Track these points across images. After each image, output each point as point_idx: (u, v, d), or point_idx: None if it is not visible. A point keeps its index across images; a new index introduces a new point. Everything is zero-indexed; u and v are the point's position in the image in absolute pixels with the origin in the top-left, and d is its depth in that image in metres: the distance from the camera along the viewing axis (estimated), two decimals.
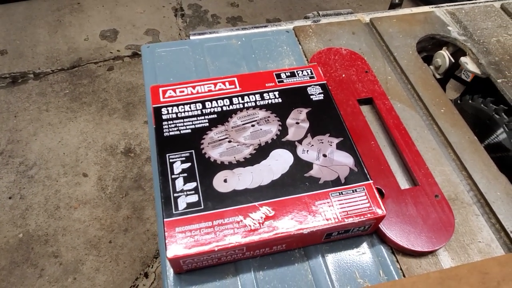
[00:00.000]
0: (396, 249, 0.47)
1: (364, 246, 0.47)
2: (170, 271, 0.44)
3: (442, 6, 0.79)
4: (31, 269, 1.30)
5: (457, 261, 0.46)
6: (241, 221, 0.42)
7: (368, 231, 0.47)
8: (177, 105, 0.51)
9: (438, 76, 0.75)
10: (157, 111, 0.51)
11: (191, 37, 0.69)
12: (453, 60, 0.72)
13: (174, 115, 0.50)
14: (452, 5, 0.79)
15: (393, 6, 1.23)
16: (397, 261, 0.46)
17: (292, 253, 0.46)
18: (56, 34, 1.91)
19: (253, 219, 0.42)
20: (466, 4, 0.79)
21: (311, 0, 2.30)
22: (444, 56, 0.73)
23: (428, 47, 0.77)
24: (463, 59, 0.70)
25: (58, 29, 1.93)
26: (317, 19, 0.75)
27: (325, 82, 0.56)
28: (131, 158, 1.56)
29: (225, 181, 0.45)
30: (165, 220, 0.42)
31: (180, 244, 0.40)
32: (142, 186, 1.48)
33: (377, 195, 0.45)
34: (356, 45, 0.69)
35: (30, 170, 1.49)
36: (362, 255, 0.46)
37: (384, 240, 0.47)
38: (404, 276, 0.45)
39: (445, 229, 0.47)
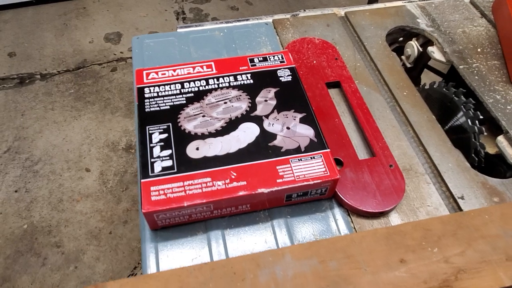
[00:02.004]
0: (351, 211, 0.52)
1: (323, 208, 0.52)
2: (147, 228, 0.49)
3: (414, 1, 0.84)
4: (34, 258, 1.36)
5: (405, 222, 0.51)
6: (209, 182, 0.48)
7: (326, 195, 0.52)
8: (159, 85, 0.58)
9: (408, 65, 0.80)
10: (140, 91, 0.57)
11: (178, 30, 0.76)
12: (421, 50, 0.78)
13: (155, 94, 0.57)
14: (423, 0, 0.84)
15: (371, 2, 1.28)
16: (352, 222, 0.51)
17: (258, 214, 0.52)
18: (63, 37, 2.00)
19: (220, 181, 0.48)
20: None
21: (308, 3, 2.36)
22: (413, 46, 0.78)
23: (399, 39, 0.83)
24: (430, 48, 0.75)
25: (65, 33, 2.02)
26: (296, 13, 0.81)
27: (294, 65, 0.62)
28: (131, 154, 1.62)
29: (197, 149, 0.51)
30: (141, 180, 0.48)
31: (153, 200, 0.46)
32: None
33: (333, 162, 0.50)
34: (330, 36, 0.75)
35: (36, 165, 1.56)
36: (320, 216, 0.52)
37: (341, 203, 0.53)
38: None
39: (396, 193, 0.52)
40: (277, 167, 0.49)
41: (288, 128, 0.54)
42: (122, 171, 1.58)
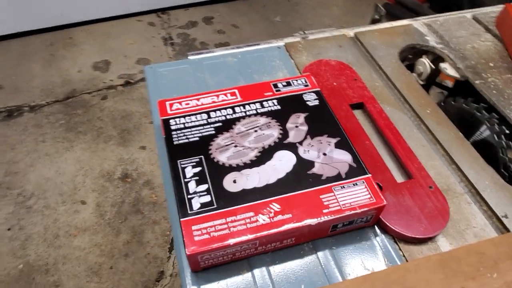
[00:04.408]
0: (398, 238, 0.50)
1: (368, 237, 0.50)
2: (188, 270, 0.46)
3: (418, 19, 0.85)
4: None
5: (454, 245, 0.50)
6: (253, 216, 0.45)
7: (371, 223, 0.50)
8: (184, 116, 0.55)
9: (421, 82, 0.80)
10: (166, 122, 0.54)
11: (190, 57, 0.74)
12: (433, 67, 0.78)
13: (182, 125, 0.54)
14: (427, 18, 0.85)
15: (374, 22, 1.30)
16: (400, 249, 0.49)
17: (301, 247, 0.49)
18: (50, 68, 1.95)
19: (264, 215, 0.45)
20: (441, 16, 0.86)
21: (294, 24, 2.40)
22: (425, 64, 0.79)
23: (409, 56, 0.83)
24: (442, 65, 0.76)
25: (52, 63, 1.98)
26: (305, 36, 0.80)
27: (319, 89, 0.61)
28: (128, 183, 1.57)
29: (234, 181, 0.48)
30: (181, 220, 0.45)
31: (197, 240, 0.43)
32: (141, 210, 1.49)
33: (376, 187, 0.49)
34: (343, 57, 0.75)
35: (29, 201, 1.49)
36: (366, 245, 0.49)
37: (386, 230, 0.51)
38: (407, 261, 0.48)
39: (441, 216, 0.50)
40: (321, 197, 0.47)
41: (324, 154, 0.52)
42: (119, 202, 1.52)
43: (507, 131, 0.64)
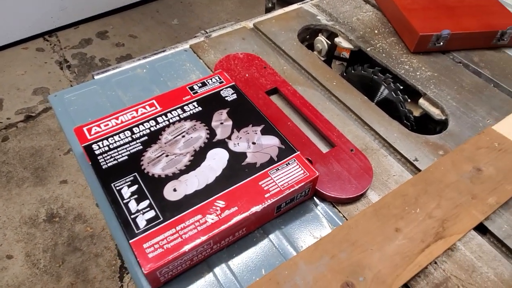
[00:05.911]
0: (335, 202, 0.55)
1: (310, 208, 0.54)
2: None
3: (307, 2, 0.92)
4: None
5: (382, 195, 0.56)
6: (201, 219, 0.46)
7: (309, 195, 0.54)
8: (107, 138, 0.53)
9: (322, 59, 0.87)
10: (89, 149, 0.52)
11: (96, 77, 0.71)
12: (329, 42, 0.85)
13: (106, 148, 0.52)
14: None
15: (268, 10, 1.36)
16: (339, 211, 0.54)
17: (253, 235, 0.51)
18: None
19: (211, 214, 0.47)
20: None
21: (192, 25, 2.39)
22: (322, 41, 0.85)
23: (306, 37, 0.89)
24: (337, 40, 0.83)
25: None
26: (208, 35, 0.82)
27: (233, 83, 0.63)
28: (57, 223, 1.46)
29: (174, 190, 0.49)
30: (130, 241, 0.44)
31: (151, 257, 0.43)
32: (78, 247, 1.40)
33: (307, 162, 0.53)
34: (249, 48, 0.78)
35: None
36: (310, 216, 0.53)
37: (323, 198, 0.55)
38: (347, 220, 0.53)
39: (366, 173, 0.56)
40: (260, 183, 0.50)
41: (253, 143, 0.54)
42: (51, 245, 1.41)
43: (401, 87, 0.73)
